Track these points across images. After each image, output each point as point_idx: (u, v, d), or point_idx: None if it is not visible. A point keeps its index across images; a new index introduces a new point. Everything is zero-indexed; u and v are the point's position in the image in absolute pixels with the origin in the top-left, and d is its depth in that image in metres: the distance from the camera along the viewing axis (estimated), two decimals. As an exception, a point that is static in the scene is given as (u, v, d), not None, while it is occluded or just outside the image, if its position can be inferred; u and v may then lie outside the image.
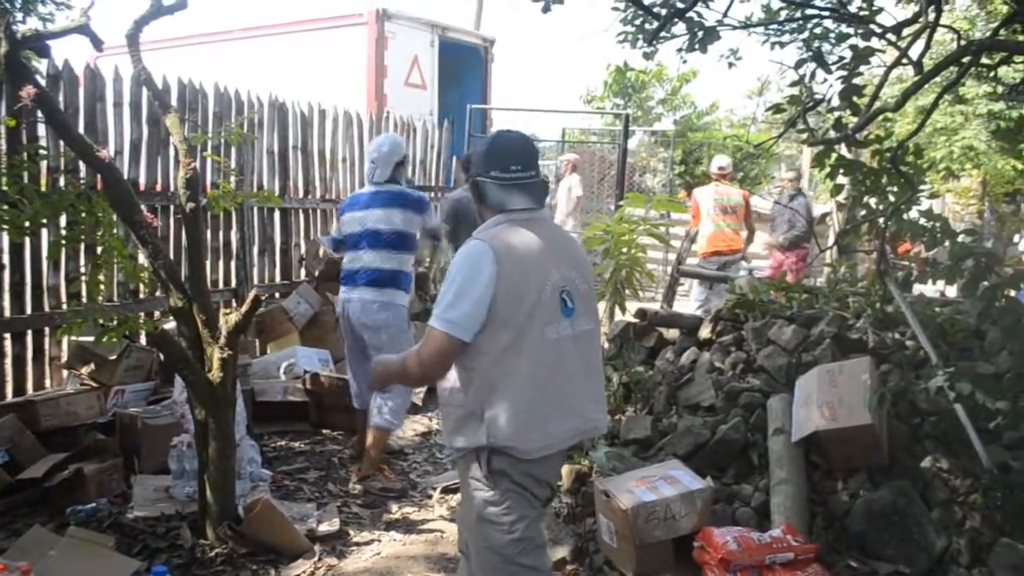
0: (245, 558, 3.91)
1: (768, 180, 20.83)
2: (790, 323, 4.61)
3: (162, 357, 5.33)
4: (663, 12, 4.03)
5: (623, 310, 6.64)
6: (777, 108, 4.24)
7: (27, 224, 3.88)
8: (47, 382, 5.34)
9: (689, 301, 8.62)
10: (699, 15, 4.06)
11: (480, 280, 2.60)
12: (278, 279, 7.50)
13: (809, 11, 4.18)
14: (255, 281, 7.10)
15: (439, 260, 7.46)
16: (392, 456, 5.49)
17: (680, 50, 4.21)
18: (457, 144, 11.01)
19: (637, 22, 4.35)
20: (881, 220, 3.91)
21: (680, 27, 4.10)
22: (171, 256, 5.66)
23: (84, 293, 4.32)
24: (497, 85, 14.14)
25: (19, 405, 4.75)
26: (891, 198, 3.86)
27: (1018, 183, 15.17)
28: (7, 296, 5.04)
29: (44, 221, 4.05)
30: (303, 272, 7.70)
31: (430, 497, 4.95)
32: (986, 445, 3.61)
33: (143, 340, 5.67)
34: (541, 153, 11.44)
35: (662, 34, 4.12)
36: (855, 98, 3.77)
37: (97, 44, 3.87)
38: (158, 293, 5.57)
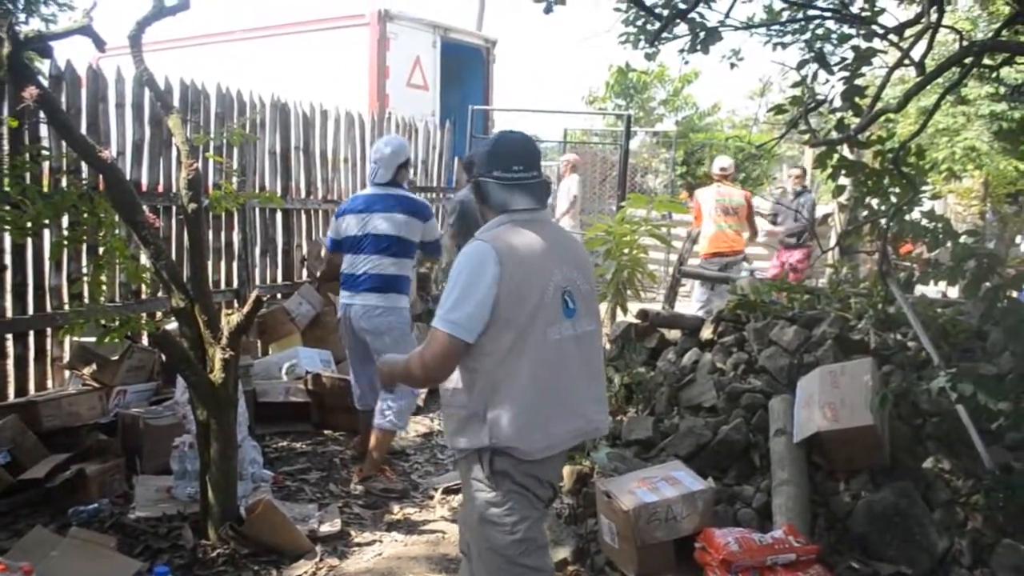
0: (247, 559, 3.91)
1: (770, 181, 20.83)
2: (792, 324, 4.61)
3: (164, 358, 5.33)
4: (665, 13, 4.03)
5: (625, 311, 6.64)
6: (779, 109, 4.24)
7: (29, 225, 3.88)
8: (49, 383, 5.34)
9: (691, 302, 8.62)
10: (701, 16, 4.06)
11: (483, 281, 2.60)
12: (280, 280, 7.51)
13: (811, 12, 4.18)
14: (257, 282, 7.10)
15: (441, 261, 7.47)
16: (394, 457, 5.49)
17: (682, 51, 4.21)
18: (459, 145, 11.01)
19: (639, 23, 4.35)
20: (883, 221, 3.91)
21: (682, 28, 4.10)
22: (173, 257, 5.67)
23: (86, 294, 4.33)
24: (499, 86, 14.16)
25: (21, 405, 4.75)
26: (893, 199, 3.86)
27: (1020, 184, 15.15)
28: (9, 297, 5.04)
29: (46, 222, 4.06)
30: (305, 273, 7.70)
31: (431, 498, 4.95)
32: (988, 446, 3.61)
33: (145, 341, 5.68)
34: (543, 154, 11.46)
35: (664, 35, 4.12)
36: (857, 99, 3.77)
37: (99, 45, 3.88)
38: (160, 294, 5.59)
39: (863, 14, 4.05)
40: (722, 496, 3.87)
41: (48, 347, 5.33)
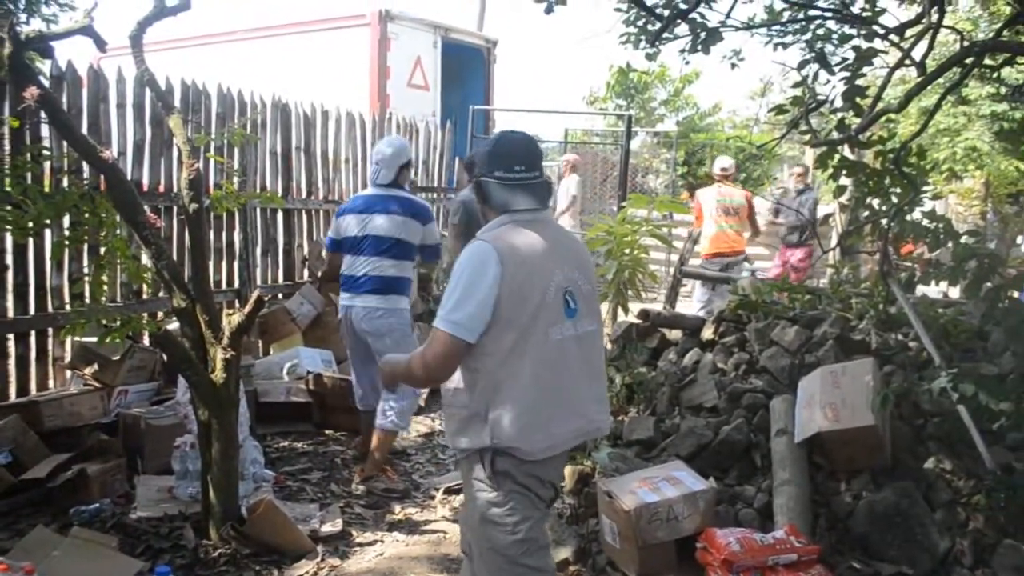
0: (248, 559, 3.92)
1: (771, 181, 20.82)
2: (793, 324, 4.61)
3: (165, 358, 5.33)
4: (666, 13, 4.03)
5: (626, 311, 6.64)
6: (780, 109, 4.24)
7: (30, 225, 3.88)
8: (50, 382, 5.34)
9: (692, 302, 8.62)
10: (702, 16, 4.06)
11: (485, 281, 2.60)
12: (281, 280, 7.51)
13: (812, 12, 4.18)
14: (258, 282, 7.11)
15: (442, 260, 7.46)
16: (395, 457, 5.49)
17: (683, 51, 4.21)
18: (460, 145, 11.02)
19: (640, 23, 4.35)
20: (884, 221, 3.91)
21: (683, 28, 4.10)
22: (174, 257, 5.67)
23: (87, 294, 4.33)
24: (500, 86, 14.15)
25: (23, 405, 4.75)
26: (894, 199, 3.86)
27: (1021, 184, 15.14)
28: (10, 297, 5.04)
29: (47, 222, 4.06)
30: (306, 273, 7.71)
31: (433, 498, 4.95)
32: (989, 446, 3.61)
33: (146, 341, 5.69)
34: (544, 154, 11.45)
35: (665, 35, 4.12)
36: (858, 99, 3.77)
37: (100, 45, 3.88)
38: (161, 294, 5.58)
39: (864, 14, 4.05)
40: (723, 496, 3.87)
41: (49, 347, 5.33)
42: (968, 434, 3.63)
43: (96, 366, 5.16)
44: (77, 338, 4.86)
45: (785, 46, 4.30)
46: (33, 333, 5.24)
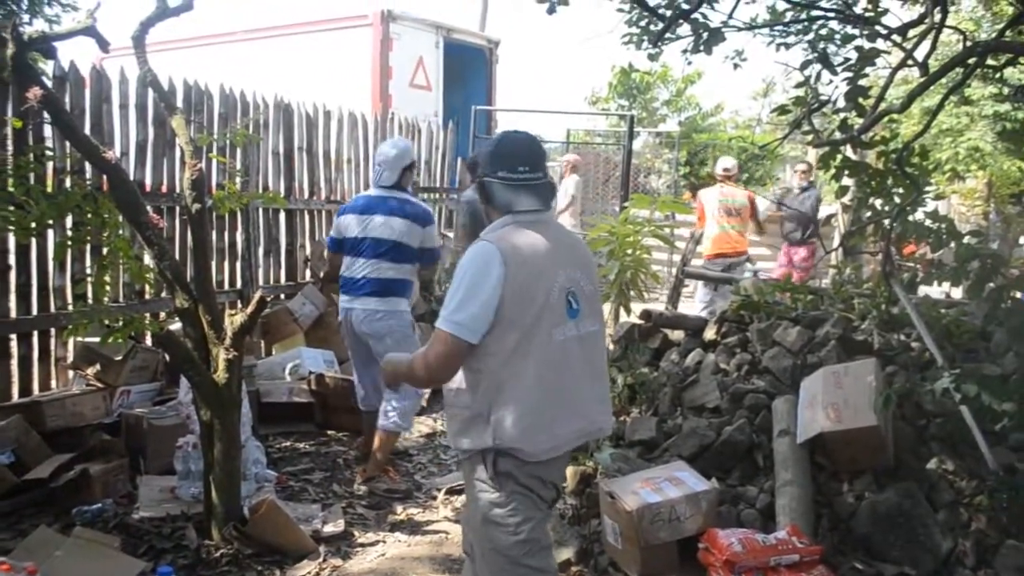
0: (250, 559, 3.92)
1: (773, 181, 20.81)
2: (795, 324, 4.60)
3: (168, 358, 5.34)
4: (668, 13, 4.03)
5: (628, 311, 6.64)
6: (782, 109, 4.23)
7: (33, 225, 3.89)
8: (53, 383, 5.35)
9: (694, 302, 8.61)
10: (704, 16, 4.05)
11: (488, 282, 2.60)
12: (283, 280, 7.52)
13: (814, 12, 4.18)
14: (260, 282, 7.11)
15: (444, 261, 7.46)
16: (397, 457, 5.49)
17: (685, 51, 4.20)
18: (462, 145, 11.01)
19: (642, 23, 4.34)
20: (886, 222, 3.91)
21: (685, 28, 4.10)
22: (177, 257, 5.67)
23: (90, 294, 4.33)
24: (502, 86, 14.18)
25: (25, 406, 4.76)
26: (896, 199, 3.85)
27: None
28: (13, 297, 5.05)
29: (50, 222, 4.07)
30: (308, 273, 7.71)
31: (435, 498, 4.95)
32: (992, 447, 3.60)
33: (149, 341, 5.69)
34: (547, 154, 11.43)
35: (667, 35, 4.11)
36: (860, 99, 3.76)
37: (103, 45, 3.88)
38: (164, 294, 5.59)
39: (867, 14, 4.04)
40: (725, 497, 3.87)
41: (52, 347, 5.33)
42: (970, 435, 3.63)
43: (98, 366, 5.17)
44: (80, 338, 4.86)
45: (787, 46, 4.29)
46: (36, 333, 5.24)
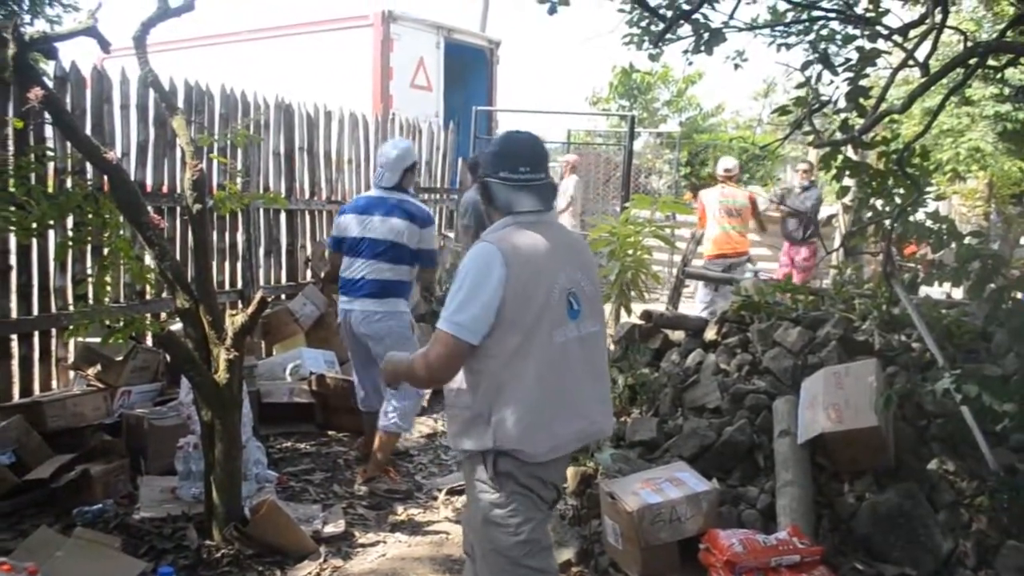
0: (251, 559, 3.92)
1: (774, 182, 20.81)
2: (796, 325, 4.61)
3: (168, 358, 5.34)
4: (669, 14, 4.03)
5: (629, 312, 6.64)
6: (783, 110, 4.24)
7: (34, 225, 3.89)
8: (54, 383, 5.35)
9: (695, 303, 8.62)
10: (705, 17, 4.06)
11: (489, 283, 2.60)
12: (284, 280, 7.52)
13: (815, 13, 4.18)
14: (261, 282, 7.11)
15: (445, 261, 7.47)
16: (398, 458, 5.49)
17: (686, 52, 4.20)
18: (462, 146, 11.02)
19: (643, 24, 4.34)
20: (887, 222, 3.91)
21: (686, 29, 4.10)
22: (177, 257, 5.67)
23: (91, 294, 4.33)
24: (503, 87, 14.17)
25: (26, 406, 4.76)
26: (897, 200, 3.86)
27: (1025, 185, 15.12)
28: (14, 297, 5.05)
29: (51, 222, 4.07)
30: (309, 273, 7.71)
31: (435, 499, 4.95)
32: (993, 447, 3.60)
33: (149, 341, 5.69)
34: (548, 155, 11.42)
35: (668, 36, 4.12)
36: (861, 100, 3.77)
37: (104, 46, 3.88)
38: (164, 294, 5.59)
39: (867, 15, 4.04)
40: (726, 497, 3.87)
41: (53, 348, 5.33)
42: (971, 435, 3.63)
43: (99, 367, 5.17)
44: (80, 339, 4.86)
45: (788, 47, 4.29)
46: (37, 334, 5.24)
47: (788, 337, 4.52)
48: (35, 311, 5.17)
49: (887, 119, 4.62)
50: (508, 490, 2.70)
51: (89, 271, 5.23)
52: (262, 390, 5.81)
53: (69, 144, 4.64)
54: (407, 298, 5.14)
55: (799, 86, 4.00)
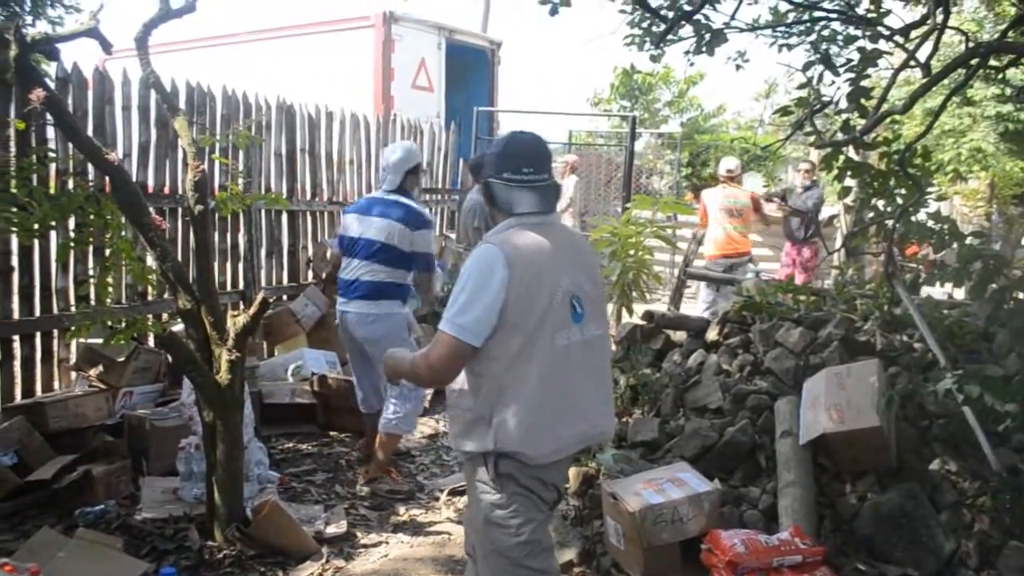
0: (253, 560, 3.92)
1: (775, 182, 20.80)
2: (797, 325, 4.60)
3: (170, 359, 5.34)
4: (670, 15, 4.03)
5: (630, 312, 6.64)
6: (784, 110, 4.24)
7: (36, 226, 3.90)
8: (56, 384, 5.35)
9: (696, 303, 8.62)
10: (706, 17, 4.06)
11: (492, 285, 2.59)
12: (285, 281, 7.52)
13: (817, 13, 4.18)
14: (263, 283, 7.12)
15: (446, 263, 7.46)
16: (399, 458, 5.49)
17: (687, 52, 4.21)
18: (464, 146, 11.01)
19: (644, 25, 4.35)
20: (889, 222, 3.91)
21: (687, 30, 4.10)
22: (179, 258, 5.68)
23: (93, 295, 4.34)
24: (504, 87, 14.16)
25: (28, 407, 4.76)
26: (899, 200, 3.86)
27: (1026, 185, 15.12)
28: (16, 298, 5.05)
29: (53, 223, 4.07)
30: (310, 274, 7.71)
31: (437, 499, 4.95)
32: (995, 448, 3.60)
33: (151, 342, 5.69)
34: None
35: (669, 36, 4.12)
36: (863, 100, 3.77)
37: (106, 47, 3.89)
38: (166, 295, 5.59)
39: (869, 15, 4.05)
40: (728, 498, 3.87)
41: (55, 348, 5.33)
42: (973, 436, 3.63)
43: (101, 367, 5.17)
44: (82, 340, 4.86)
45: (790, 47, 4.30)
46: (38, 335, 5.24)
47: (790, 337, 4.52)
48: (37, 312, 5.17)
49: (888, 119, 4.61)
50: (509, 491, 2.70)
51: (91, 272, 5.24)
52: (264, 391, 5.82)
53: (71, 145, 4.65)
54: (401, 299, 5.06)
55: (800, 87, 4.00)
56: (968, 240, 3.58)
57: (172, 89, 5.85)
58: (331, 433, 5.96)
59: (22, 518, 4.23)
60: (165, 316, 5.88)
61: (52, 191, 4.71)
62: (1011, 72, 8.99)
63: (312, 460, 5.44)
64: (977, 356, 4.21)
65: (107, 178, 4.00)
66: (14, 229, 3.90)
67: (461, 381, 2.72)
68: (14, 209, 3.81)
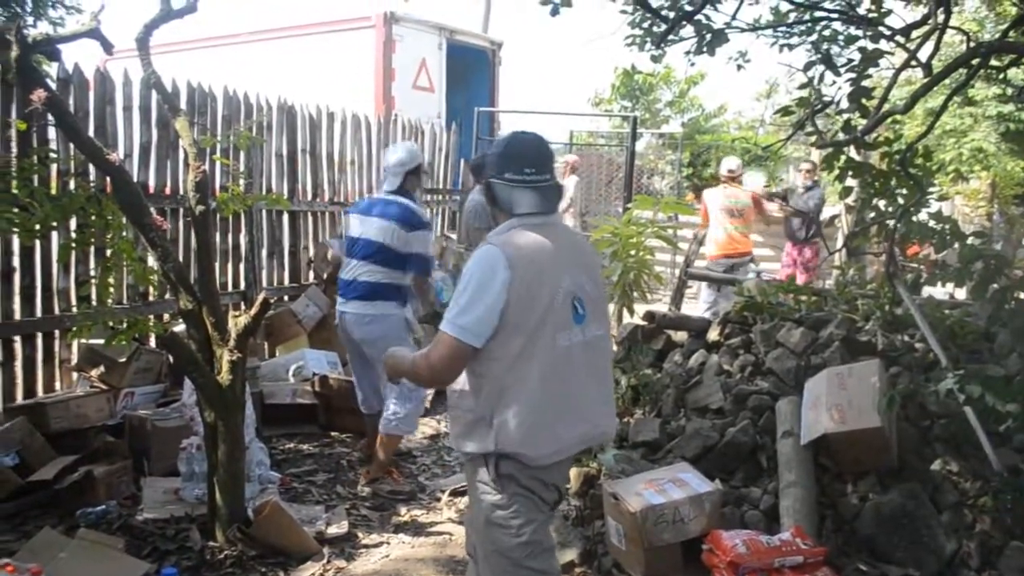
0: (254, 560, 3.92)
1: (776, 183, 20.80)
2: (799, 326, 4.60)
3: (171, 359, 5.34)
4: (671, 15, 4.03)
5: (631, 312, 6.63)
6: (786, 110, 4.24)
7: (37, 227, 3.89)
8: (57, 384, 5.35)
9: (697, 303, 8.61)
10: (707, 18, 4.06)
11: (493, 286, 2.59)
12: (287, 282, 7.52)
13: (818, 13, 4.18)
14: (264, 284, 7.12)
15: (447, 264, 7.46)
16: (401, 459, 5.49)
17: (688, 53, 4.21)
18: (465, 147, 11.00)
19: (645, 25, 4.34)
20: (890, 222, 3.91)
21: (688, 30, 4.10)
22: (180, 259, 5.68)
23: (94, 296, 4.34)
24: (505, 88, 14.15)
25: (29, 407, 4.76)
26: (900, 200, 3.86)
27: (1027, 185, 15.12)
28: (17, 299, 5.06)
29: (54, 224, 4.07)
30: (311, 275, 7.72)
31: (438, 500, 4.95)
32: (996, 448, 3.60)
33: (153, 343, 5.69)
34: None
35: (670, 37, 4.12)
36: (864, 100, 3.77)
37: (107, 48, 3.89)
38: (167, 296, 5.59)
39: (870, 15, 4.04)
40: (729, 498, 3.87)
41: (56, 349, 5.34)
42: (975, 436, 3.62)
43: (102, 368, 5.17)
44: (84, 340, 4.86)
45: (791, 47, 4.29)
46: (40, 335, 5.25)
47: (791, 338, 4.52)
48: (38, 313, 5.17)
49: (890, 119, 4.61)
50: (510, 492, 2.70)
51: (92, 273, 5.24)
52: (265, 391, 5.82)
53: (72, 146, 4.66)
54: (399, 301, 5.02)
55: (802, 87, 4.00)
56: (969, 240, 3.58)
57: (173, 89, 5.85)
58: (332, 433, 5.96)
59: (23, 518, 4.24)
60: (166, 317, 5.88)
61: (53, 192, 4.71)
62: (1012, 72, 8.98)
63: (313, 460, 5.45)
64: (978, 356, 4.21)
65: (108, 179, 4.00)
66: (16, 230, 3.90)
67: (462, 382, 2.72)
68: (15, 210, 3.81)
